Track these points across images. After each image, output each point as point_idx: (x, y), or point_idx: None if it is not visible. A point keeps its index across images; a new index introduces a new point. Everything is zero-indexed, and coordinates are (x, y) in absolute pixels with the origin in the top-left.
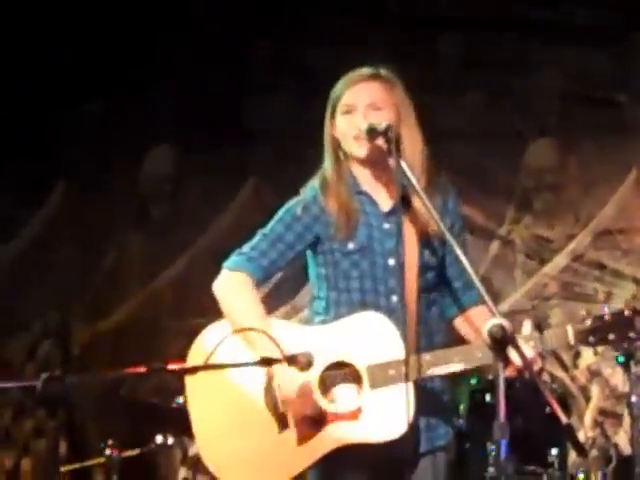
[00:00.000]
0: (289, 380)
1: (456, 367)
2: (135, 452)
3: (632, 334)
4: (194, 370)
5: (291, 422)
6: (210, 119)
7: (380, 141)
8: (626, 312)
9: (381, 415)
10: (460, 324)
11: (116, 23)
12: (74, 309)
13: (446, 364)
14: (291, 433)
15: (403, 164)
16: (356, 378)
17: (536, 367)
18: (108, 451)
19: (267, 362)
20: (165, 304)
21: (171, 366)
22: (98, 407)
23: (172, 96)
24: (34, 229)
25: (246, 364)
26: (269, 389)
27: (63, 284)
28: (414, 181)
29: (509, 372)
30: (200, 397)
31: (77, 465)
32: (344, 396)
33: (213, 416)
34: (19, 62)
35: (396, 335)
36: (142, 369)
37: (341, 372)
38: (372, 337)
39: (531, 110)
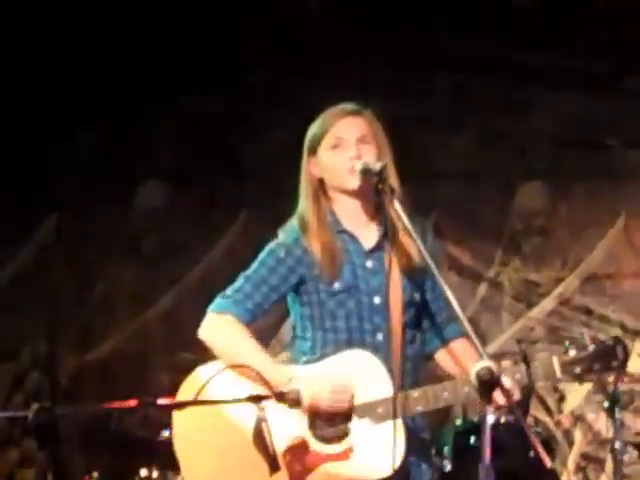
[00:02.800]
0: (280, 425)
1: (443, 402)
2: None
3: (615, 363)
4: (183, 405)
5: (282, 463)
6: (202, 153)
7: (373, 181)
8: (608, 342)
9: (372, 453)
10: (442, 358)
11: (113, 53)
12: (63, 340)
13: (434, 400)
14: (283, 475)
15: (396, 203)
16: (345, 417)
17: (515, 397)
18: None
19: (256, 399)
20: (154, 338)
21: (161, 401)
22: (84, 438)
23: (166, 130)
24: (25, 259)
25: (235, 401)
26: (258, 431)
27: (53, 314)
28: (405, 220)
29: (494, 411)
30: (188, 438)
31: None
32: (334, 435)
33: (202, 457)
34: (13, 89)
35: (383, 372)
36: (133, 403)
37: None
38: (359, 375)
39: (522, 153)
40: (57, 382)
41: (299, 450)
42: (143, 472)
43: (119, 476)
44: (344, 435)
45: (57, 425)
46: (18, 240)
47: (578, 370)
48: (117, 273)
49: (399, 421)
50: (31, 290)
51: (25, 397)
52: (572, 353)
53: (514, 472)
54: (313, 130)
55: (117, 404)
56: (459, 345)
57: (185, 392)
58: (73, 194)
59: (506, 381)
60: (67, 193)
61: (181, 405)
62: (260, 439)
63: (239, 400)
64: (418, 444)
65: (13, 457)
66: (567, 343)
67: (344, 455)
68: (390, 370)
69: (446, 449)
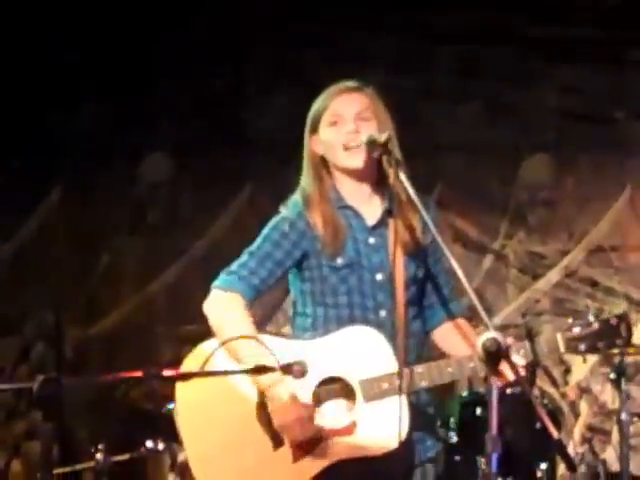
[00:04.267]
0: (282, 399)
1: (448, 378)
2: (125, 457)
3: (619, 341)
4: (189, 377)
5: (285, 439)
6: (208, 124)
7: (378, 153)
8: (612, 320)
9: (376, 428)
10: (440, 336)
11: (114, 25)
12: (68, 312)
13: (439, 375)
14: (286, 450)
15: (402, 175)
16: (349, 393)
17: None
18: (99, 455)
19: (261, 370)
20: (158, 309)
21: (167, 372)
22: (89, 411)
23: (170, 101)
24: (29, 231)
25: (241, 371)
26: (262, 406)
27: (57, 286)
28: (411, 191)
29: (499, 382)
30: (191, 412)
31: (67, 468)
32: (338, 411)
33: (205, 432)
34: (17, 63)
35: (387, 349)
36: (138, 374)
37: (334, 387)
38: (363, 351)
39: (527, 125)
40: (62, 354)
41: (302, 426)
42: (149, 444)
43: (125, 448)
44: (347, 411)
45: (62, 397)
46: (22, 213)
47: (582, 347)
48: (121, 246)
49: (404, 396)
50: (35, 263)
51: (30, 369)
52: (576, 330)
53: (520, 443)
54: (314, 108)
55: (124, 374)
56: (458, 325)
57: (189, 366)
58: (76, 167)
59: (517, 360)
60: (70, 166)
61: (186, 376)
62: (263, 413)
63: (244, 371)
64: (423, 419)
65: (19, 429)
66: (571, 319)
67: (348, 430)
68: (394, 346)
69: (452, 420)
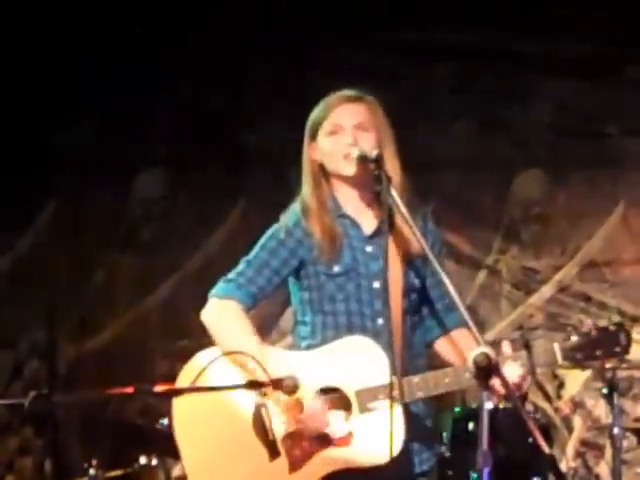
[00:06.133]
0: (279, 412)
1: (445, 388)
2: (119, 472)
3: (618, 349)
4: (181, 392)
5: (282, 449)
6: (202, 141)
7: (370, 167)
8: (611, 327)
9: (371, 439)
10: (442, 346)
11: (110, 41)
12: (62, 328)
13: (435, 386)
14: (282, 461)
15: (393, 191)
16: (345, 403)
17: (526, 385)
18: (92, 471)
19: (254, 385)
20: (153, 326)
21: (158, 388)
22: (83, 427)
23: (165, 117)
24: (23, 247)
25: (232, 387)
26: (258, 417)
27: (51, 303)
28: (402, 206)
29: (494, 399)
30: (188, 425)
31: None
32: (334, 422)
33: (201, 444)
34: (11, 79)
35: (384, 359)
36: (129, 390)
37: (330, 397)
38: (360, 361)
39: (520, 141)
40: (56, 370)
41: (299, 436)
42: (142, 459)
43: (118, 464)
44: (344, 421)
45: (54, 413)
46: (16, 228)
47: (580, 356)
48: (116, 261)
49: (399, 408)
50: (30, 278)
51: (24, 386)
52: (574, 339)
53: (512, 458)
54: (314, 115)
55: (114, 391)
56: (460, 334)
57: (184, 378)
58: (72, 182)
59: (515, 369)
60: (66, 181)
61: (178, 392)
62: (260, 425)
63: (236, 387)
64: (421, 431)
65: (12, 445)
66: (569, 329)
67: (344, 441)
68: (391, 356)
69: (445, 435)
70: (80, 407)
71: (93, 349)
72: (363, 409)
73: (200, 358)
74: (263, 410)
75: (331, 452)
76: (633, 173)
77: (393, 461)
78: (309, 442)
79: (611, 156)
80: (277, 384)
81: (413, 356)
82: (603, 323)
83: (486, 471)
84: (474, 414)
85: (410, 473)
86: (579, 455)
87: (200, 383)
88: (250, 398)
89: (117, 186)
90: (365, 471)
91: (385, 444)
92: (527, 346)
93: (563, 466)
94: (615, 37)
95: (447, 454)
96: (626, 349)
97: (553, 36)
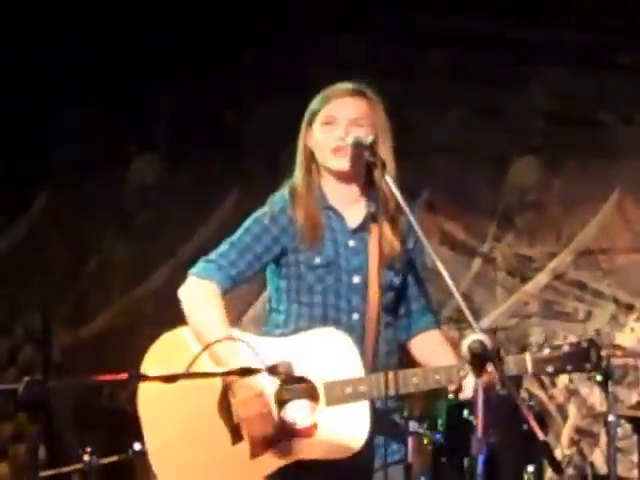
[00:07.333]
0: (246, 395)
1: (412, 388)
2: (113, 459)
3: (588, 365)
4: (174, 379)
5: (245, 434)
6: (197, 128)
7: (365, 155)
8: (583, 344)
9: (335, 433)
10: (415, 347)
11: (103, 28)
12: (56, 315)
13: (404, 384)
14: (244, 446)
15: (388, 177)
16: (313, 394)
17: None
18: (86, 457)
19: (247, 372)
20: (147, 313)
21: (152, 374)
22: (77, 413)
23: (160, 104)
24: (18, 234)
25: (227, 373)
26: (224, 400)
27: (45, 289)
28: (398, 194)
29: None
30: (153, 402)
31: (55, 471)
32: (300, 412)
33: (165, 424)
34: (6, 63)
35: (355, 353)
36: (123, 376)
37: (298, 387)
38: (331, 354)
39: (515, 128)
40: (50, 357)
41: (263, 423)
42: (137, 446)
43: (112, 450)
44: (309, 412)
45: (48, 399)
46: (11, 215)
47: (550, 369)
48: (110, 248)
49: (365, 402)
50: (24, 265)
51: (18, 372)
52: (546, 351)
53: (507, 445)
54: (314, 102)
55: (108, 377)
56: (430, 337)
57: (151, 360)
58: (66, 169)
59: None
60: (60, 168)
61: (171, 379)
62: (225, 408)
63: (230, 372)
64: (388, 425)
65: (6, 432)
66: (542, 341)
67: (308, 431)
68: (363, 351)
69: (439, 422)
70: (74, 393)
71: (88, 336)
72: (330, 401)
73: (165, 339)
74: (230, 393)
75: (294, 443)
76: (628, 161)
77: (356, 455)
78: (272, 430)
79: (607, 143)
80: (272, 371)
81: (385, 353)
82: (575, 339)
83: (481, 458)
84: (469, 401)
85: (371, 467)
86: (574, 443)
87: (172, 369)
88: (217, 382)
89: (113, 172)
90: (326, 462)
91: (348, 438)
92: (498, 354)
93: (558, 454)
94: (611, 25)
95: (442, 441)
96: (596, 365)
97: (550, 24)
